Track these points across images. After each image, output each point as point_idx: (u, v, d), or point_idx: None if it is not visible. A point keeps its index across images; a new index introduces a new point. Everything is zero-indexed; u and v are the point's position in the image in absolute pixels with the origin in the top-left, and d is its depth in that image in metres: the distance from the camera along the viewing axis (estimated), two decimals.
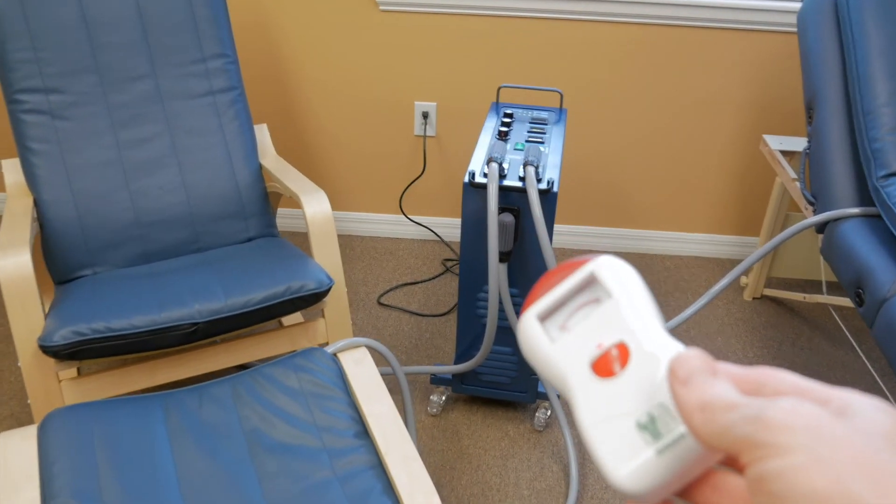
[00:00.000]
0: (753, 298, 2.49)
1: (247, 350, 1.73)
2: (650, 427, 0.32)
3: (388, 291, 2.47)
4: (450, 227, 2.72)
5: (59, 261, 1.86)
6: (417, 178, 2.63)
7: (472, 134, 2.53)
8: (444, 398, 2.01)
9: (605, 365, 0.35)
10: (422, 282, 2.52)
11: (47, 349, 1.47)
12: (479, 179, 1.63)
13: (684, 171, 2.55)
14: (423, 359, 2.19)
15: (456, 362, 1.94)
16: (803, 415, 0.27)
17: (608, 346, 0.35)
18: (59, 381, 1.58)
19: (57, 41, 1.87)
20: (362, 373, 1.55)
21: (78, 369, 1.77)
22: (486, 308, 1.81)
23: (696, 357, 0.31)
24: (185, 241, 1.95)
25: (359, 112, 2.52)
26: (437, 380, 1.99)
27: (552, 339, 0.37)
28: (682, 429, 0.32)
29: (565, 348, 0.36)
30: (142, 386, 1.65)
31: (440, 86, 2.45)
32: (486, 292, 1.79)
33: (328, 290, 1.67)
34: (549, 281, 0.38)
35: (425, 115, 2.49)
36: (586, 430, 0.34)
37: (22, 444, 1.37)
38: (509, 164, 1.69)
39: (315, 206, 1.75)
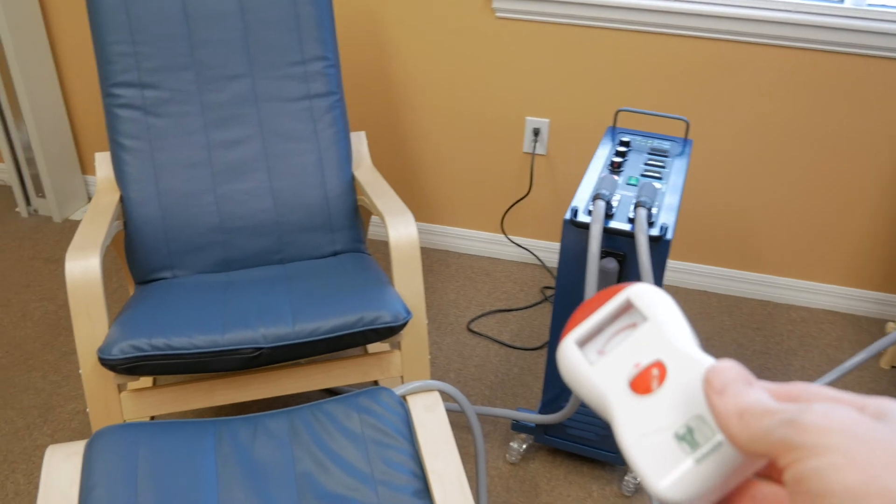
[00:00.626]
0: (892, 367, 2.18)
1: (314, 377, 1.62)
2: (688, 438, 0.33)
3: (479, 317, 2.31)
4: (552, 252, 2.53)
5: (139, 261, 1.80)
6: (523, 198, 2.45)
7: (586, 155, 2.33)
8: (524, 446, 1.84)
9: (644, 382, 0.35)
10: (517, 309, 2.34)
11: (105, 362, 1.40)
12: (581, 217, 1.44)
13: (825, 214, 2.26)
14: (508, 397, 2.02)
15: (542, 409, 1.76)
16: (837, 417, 0.27)
17: (645, 364, 0.36)
18: (120, 392, 1.51)
19: (156, 35, 1.81)
20: (432, 422, 1.40)
21: (154, 379, 1.72)
22: None
23: (731, 368, 0.32)
24: (268, 250, 1.86)
25: (466, 124, 2.37)
26: (518, 426, 1.82)
27: (591, 363, 0.38)
28: (719, 437, 0.32)
29: (604, 370, 0.37)
30: (202, 405, 1.56)
31: (554, 102, 2.26)
32: None
33: (404, 324, 1.53)
34: (587, 308, 0.39)
35: (536, 132, 2.31)
36: (627, 447, 0.34)
37: (66, 463, 1.30)
38: (619, 201, 1.50)
39: (400, 229, 1.61)
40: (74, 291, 1.44)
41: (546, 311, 2.34)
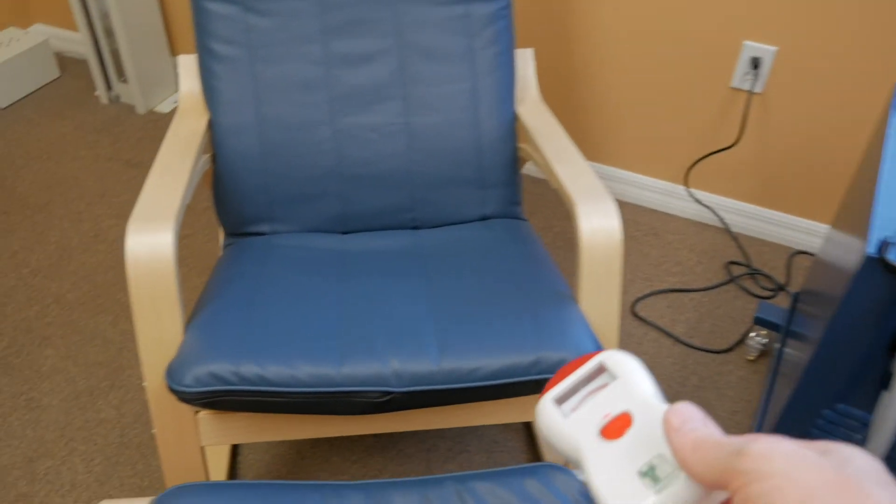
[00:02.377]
0: None
1: (453, 412, 1.18)
2: (651, 474, 0.36)
3: (647, 296, 1.81)
4: (742, 217, 1.97)
5: (231, 209, 1.36)
6: (727, 147, 1.88)
7: (823, 104, 1.72)
8: None
9: (612, 429, 0.38)
10: (695, 290, 1.83)
11: (177, 393, 0.99)
12: None
13: None
14: None
15: None
16: (780, 447, 0.30)
17: (614, 415, 0.39)
18: (196, 413, 1.11)
19: None
20: None
21: None
22: (830, 435, 1.13)
23: (687, 409, 0.35)
24: (397, 207, 1.39)
25: (657, 45, 1.78)
26: None
27: (565, 416, 0.41)
28: (677, 472, 0.35)
29: (577, 422, 0.40)
30: (300, 436, 1.15)
31: (789, 22, 1.65)
32: (839, 414, 1.10)
33: None
34: (565, 371, 0.43)
35: (755, 63, 1.71)
36: (596, 486, 0.37)
37: None
38: None
39: (595, 222, 1.11)
40: (138, 281, 1.01)
41: (733, 297, 1.82)
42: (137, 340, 1.04)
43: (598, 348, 1.08)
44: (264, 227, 1.37)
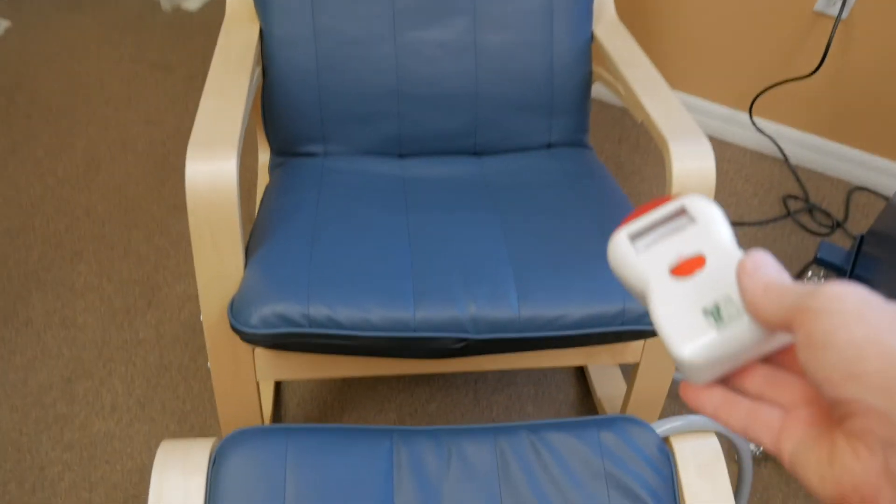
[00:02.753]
0: None
1: (521, 357, 1.12)
2: (715, 314, 0.36)
3: None
4: (804, 149, 1.88)
5: (282, 126, 1.27)
6: (803, 77, 1.76)
7: None
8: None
9: (683, 268, 0.38)
10: (749, 224, 1.75)
11: (242, 334, 0.93)
12: None
13: None
14: None
15: None
16: (852, 289, 0.29)
17: (688, 256, 0.39)
18: (254, 349, 1.05)
19: None
20: (708, 493, 0.92)
21: None
22: None
23: (764, 255, 0.34)
24: (459, 131, 1.29)
25: None
26: None
27: (638, 253, 0.40)
28: (742, 314, 0.35)
29: (649, 258, 0.40)
30: (363, 374, 1.09)
31: None
32: None
33: None
34: (642, 210, 0.42)
35: None
36: (658, 319, 0.37)
37: (184, 486, 0.87)
38: None
39: (689, 163, 1.02)
40: (197, 212, 0.93)
41: (790, 232, 1.75)
42: (196, 275, 0.97)
43: None
44: (316, 148, 1.28)
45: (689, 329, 0.36)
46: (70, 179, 1.72)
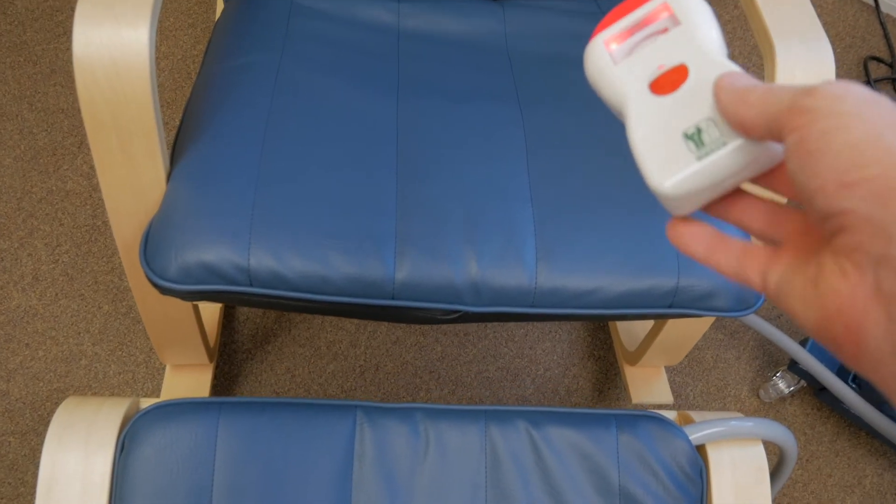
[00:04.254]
0: None
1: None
2: (695, 138, 0.33)
3: None
4: None
5: None
6: None
7: None
8: (791, 388, 1.17)
9: (663, 83, 0.35)
10: None
11: (158, 287, 0.68)
12: None
13: None
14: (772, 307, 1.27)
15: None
16: (856, 88, 0.26)
17: (669, 67, 0.35)
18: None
19: None
20: None
21: None
22: None
23: (740, 74, 0.32)
24: None
25: None
26: (797, 369, 1.13)
27: (615, 62, 0.37)
28: (725, 138, 0.32)
29: (628, 69, 0.36)
30: (327, 316, 0.86)
31: None
32: None
33: (745, 313, 0.75)
34: (622, 10, 0.38)
35: None
36: (635, 142, 0.34)
37: (84, 472, 0.69)
38: None
39: (800, 73, 0.72)
40: (94, 102, 0.65)
41: None
42: (101, 184, 0.70)
43: (757, 297, 0.75)
44: None
45: (668, 157, 0.33)
46: None
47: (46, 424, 1.03)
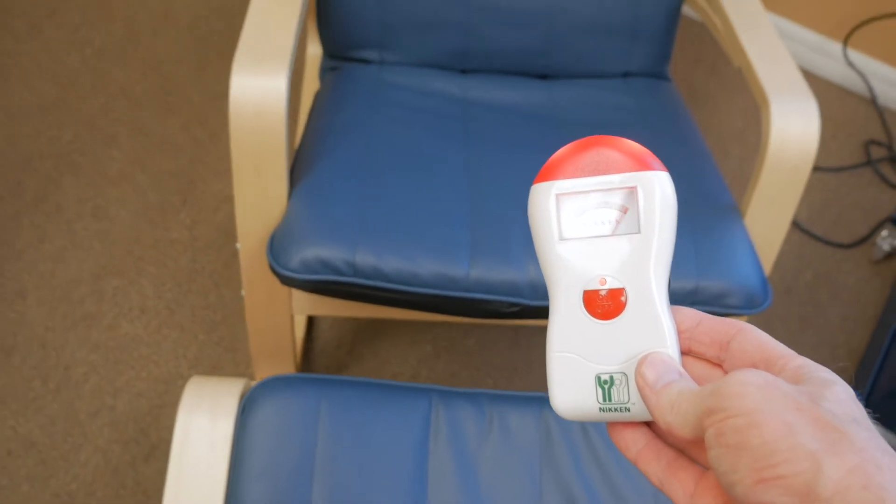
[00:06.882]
0: None
1: None
2: (605, 388, 0.33)
3: None
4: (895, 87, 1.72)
5: (336, 28, 1.16)
6: None
7: None
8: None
9: (596, 304, 0.33)
10: (824, 169, 1.63)
11: (280, 276, 0.86)
12: None
13: None
14: (792, 318, 1.42)
15: (868, 398, 1.18)
16: (754, 381, 0.28)
17: (608, 286, 0.33)
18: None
19: None
20: None
21: None
22: None
23: (660, 359, 0.32)
24: (529, 49, 1.17)
25: None
26: None
27: (561, 235, 0.34)
28: (630, 406, 0.33)
29: (570, 255, 0.34)
30: (403, 316, 1.03)
31: None
32: None
33: (756, 310, 0.90)
34: (584, 155, 0.34)
35: None
36: (552, 354, 0.34)
37: (211, 432, 0.83)
38: None
39: (791, 123, 0.90)
40: (241, 134, 0.85)
41: (867, 182, 1.62)
42: (235, 200, 0.89)
43: (766, 293, 0.91)
44: (373, 54, 1.17)
45: (574, 388, 0.33)
46: (108, 51, 1.62)
47: (147, 436, 1.19)
